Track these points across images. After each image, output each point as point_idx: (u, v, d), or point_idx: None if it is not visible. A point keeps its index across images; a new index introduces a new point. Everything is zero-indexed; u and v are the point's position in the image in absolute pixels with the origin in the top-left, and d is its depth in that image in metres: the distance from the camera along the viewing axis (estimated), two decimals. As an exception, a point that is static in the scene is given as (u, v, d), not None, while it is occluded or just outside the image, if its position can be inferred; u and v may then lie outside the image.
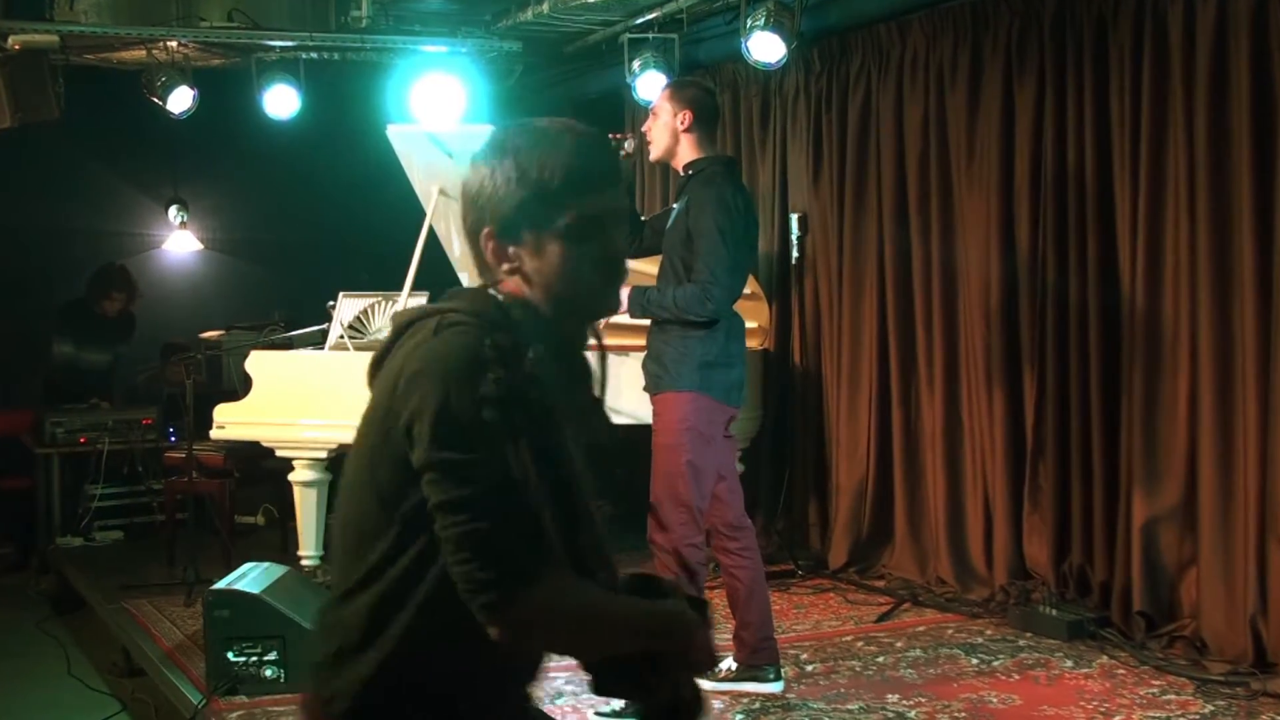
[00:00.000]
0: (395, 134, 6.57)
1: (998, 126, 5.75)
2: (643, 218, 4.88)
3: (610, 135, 4.68)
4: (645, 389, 4.57)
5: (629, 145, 4.63)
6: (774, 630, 4.74)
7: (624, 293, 4.51)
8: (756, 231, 4.62)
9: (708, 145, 4.55)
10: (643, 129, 4.63)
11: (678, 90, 4.56)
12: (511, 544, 1.87)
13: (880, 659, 5.08)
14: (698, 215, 4.37)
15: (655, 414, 4.48)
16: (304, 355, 6.42)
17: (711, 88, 4.70)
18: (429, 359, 1.92)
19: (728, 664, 4.71)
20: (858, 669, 4.95)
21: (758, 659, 4.66)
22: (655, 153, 4.57)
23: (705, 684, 4.79)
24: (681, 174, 4.55)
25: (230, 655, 4.67)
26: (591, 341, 2.09)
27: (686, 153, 4.52)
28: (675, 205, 4.55)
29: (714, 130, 4.63)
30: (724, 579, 4.74)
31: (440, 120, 7.25)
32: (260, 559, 5.25)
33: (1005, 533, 5.78)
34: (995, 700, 4.59)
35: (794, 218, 6.82)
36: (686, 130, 4.49)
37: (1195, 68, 4.92)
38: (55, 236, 8.27)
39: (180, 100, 7.33)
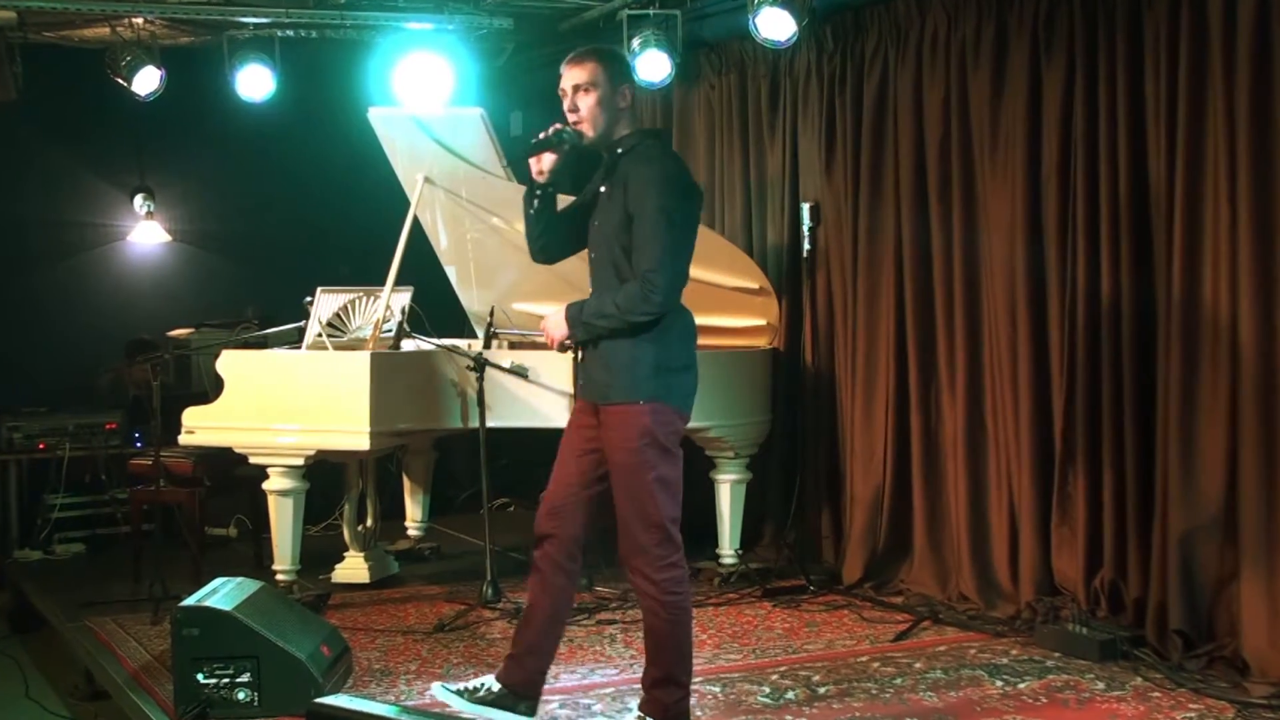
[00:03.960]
0: (378, 117, 6.58)
1: (1024, 109, 5.75)
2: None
3: (555, 128, 4.35)
4: (583, 395, 4.42)
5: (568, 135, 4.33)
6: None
7: (560, 316, 4.32)
8: (700, 211, 4.47)
9: (635, 119, 4.41)
10: (566, 110, 4.31)
11: (611, 63, 4.33)
12: None
13: (898, 681, 5.08)
14: (640, 196, 4.19)
15: (607, 427, 4.29)
16: (279, 355, 6.42)
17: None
18: None
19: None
20: (874, 691, 4.95)
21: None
22: (593, 132, 4.32)
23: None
24: (607, 154, 4.35)
25: (200, 677, 4.67)
26: None
27: (620, 130, 4.35)
28: (602, 189, 4.35)
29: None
30: (551, 598, 4.45)
31: (426, 103, 7.25)
32: (232, 573, 5.26)
33: (1032, 545, 5.78)
34: (1021, 725, 4.61)
35: (805, 207, 6.83)
36: (627, 107, 4.33)
37: (1236, 45, 4.92)
38: (11, 227, 8.26)
39: (146, 81, 7.33)
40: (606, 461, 4.34)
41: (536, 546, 4.43)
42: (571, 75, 4.30)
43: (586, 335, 4.32)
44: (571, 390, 6.09)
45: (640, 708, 4.40)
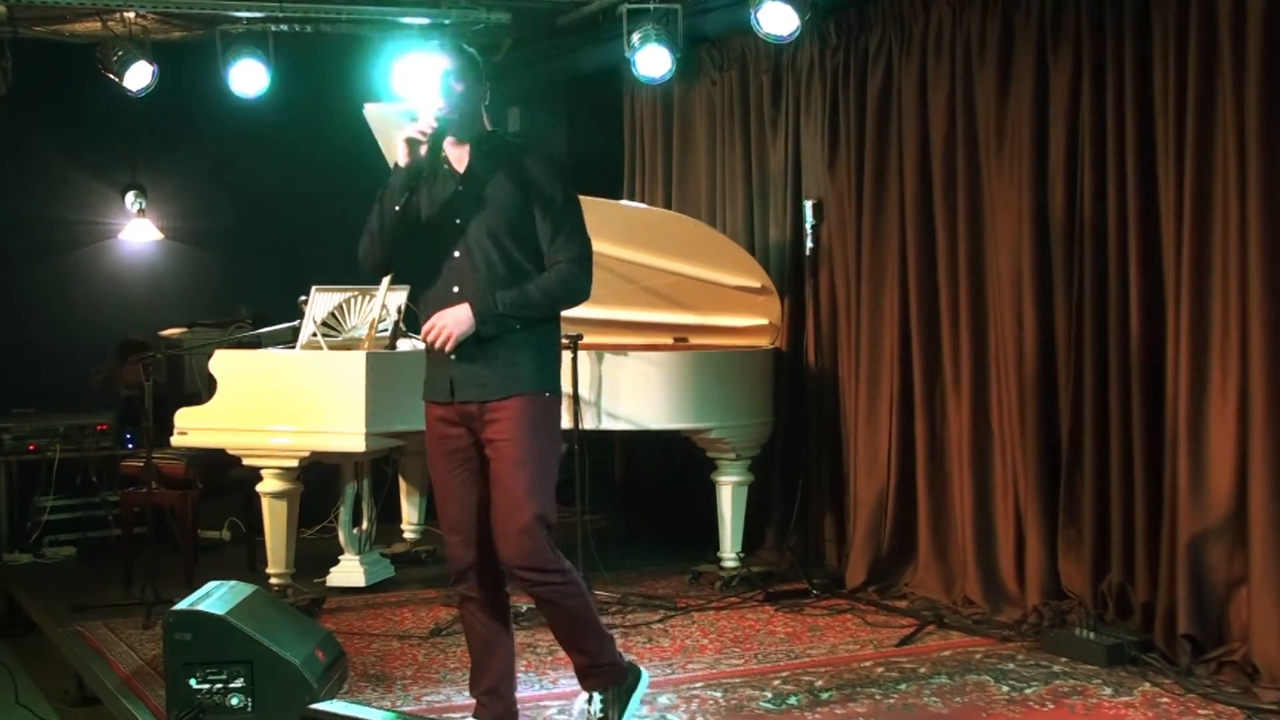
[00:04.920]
0: (373, 113, 6.58)
1: (1030, 106, 5.75)
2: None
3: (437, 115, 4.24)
4: (463, 397, 4.20)
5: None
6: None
7: (464, 312, 4.11)
8: None
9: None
10: (441, 104, 4.20)
11: (476, 64, 4.29)
12: None
13: (902, 686, 5.07)
14: (549, 186, 4.17)
15: (501, 424, 4.12)
16: (273, 355, 6.42)
17: None
18: None
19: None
20: (878, 697, 4.95)
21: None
22: (465, 132, 4.25)
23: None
24: (471, 148, 4.26)
25: (193, 682, 4.66)
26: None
27: (480, 127, 4.30)
28: (460, 187, 4.22)
29: None
30: (501, 620, 4.39)
31: (422, 99, 7.25)
32: (225, 577, 5.24)
33: (1038, 549, 5.78)
34: (1028, 731, 4.61)
35: (808, 205, 6.82)
36: (486, 106, 4.32)
37: (1246, 40, 4.91)
38: (1, 225, 8.26)
39: (138, 76, 7.32)
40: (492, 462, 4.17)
41: (459, 580, 4.30)
42: (450, 63, 4.29)
43: (499, 329, 4.12)
44: (569, 389, 6.07)
45: (592, 687, 4.31)
